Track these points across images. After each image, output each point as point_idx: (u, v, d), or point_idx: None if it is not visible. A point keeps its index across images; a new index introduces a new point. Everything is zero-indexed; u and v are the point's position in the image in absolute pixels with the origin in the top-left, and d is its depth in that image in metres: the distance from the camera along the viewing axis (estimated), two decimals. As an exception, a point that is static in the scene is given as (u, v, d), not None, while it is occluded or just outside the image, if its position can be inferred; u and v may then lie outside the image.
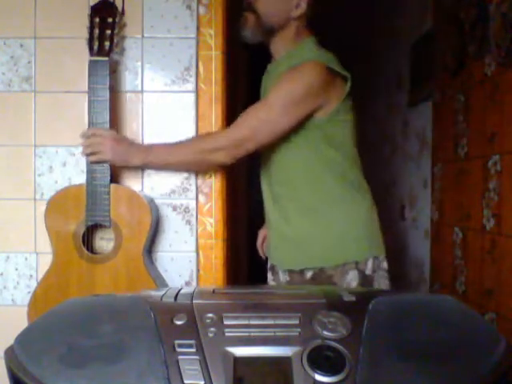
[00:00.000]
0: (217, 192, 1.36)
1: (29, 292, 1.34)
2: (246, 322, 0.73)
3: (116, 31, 1.26)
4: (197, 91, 1.35)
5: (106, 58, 1.22)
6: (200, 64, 1.35)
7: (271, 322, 0.73)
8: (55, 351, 0.69)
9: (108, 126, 1.24)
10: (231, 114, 1.45)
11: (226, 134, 1.30)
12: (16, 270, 1.35)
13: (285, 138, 1.31)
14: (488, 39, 1.75)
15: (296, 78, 1.27)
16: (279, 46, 1.38)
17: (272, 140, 1.30)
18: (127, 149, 1.27)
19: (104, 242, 1.30)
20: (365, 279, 1.32)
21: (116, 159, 1.25)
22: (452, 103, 2.13)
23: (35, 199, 1.34)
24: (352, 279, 1.31)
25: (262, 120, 1.27)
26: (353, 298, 0.81)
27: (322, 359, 0.67)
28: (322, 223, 1.34)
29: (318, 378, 0.65)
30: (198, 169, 1.36)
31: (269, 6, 1.32)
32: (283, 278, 1.41)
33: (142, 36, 1.34)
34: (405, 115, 2.80)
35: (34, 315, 1.24)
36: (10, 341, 0.74)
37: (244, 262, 2.52)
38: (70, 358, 0.68)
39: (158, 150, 1.29)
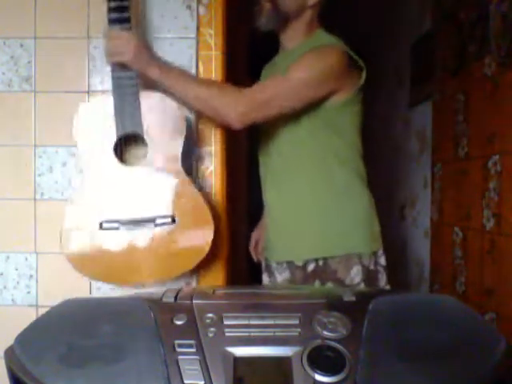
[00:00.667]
0: (217, 192, 1.36)
1: (29, 292, 1.34)
2: (246, 322, 0.73)
3: None
4: (197, 91, 1.35)
5: None
6: (200, 64, 1.35)
7: (271, 322, 0.73)
8: (55, 351, 0.69)
9: (130, 27, 1.17)
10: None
11: (242, 96, 1.23)
12: (16, 270, 1.35)
13: (291, 122, 1.30)
14: (488, 39, 1.75)
15: (318, 58, 1.26)
16: (291, 36, 1.38)
17: (278, 115, 1.26)
18: (149, 58, 1.19)
19: (137, 152, 1.21)
20: (368, 274, 1.30)
21: (135, 63, 1.16)
22: (452, 103, 2.13)
23: (35, 199, 1.34)
24: (356, 274, 1.29)
25: (277, 93, 1.24)
26: (353, 298, 0.81)
27: (322, 359, 0.67)
28: (326, 212, 1.32)
29: (318, 378, 0.66)
30: (204, 113, 1.27)
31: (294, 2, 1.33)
32: (283, 276, 1.37)
33: (142, 36, 1.34)
34: (405, 115, 2.80)
35: (73, 242, 1.18)
36: (10, 341, 0.74)
37: (244, 262, 2.52)
38: (70, 358, 0.68)
39: (176, 78, 1.21)
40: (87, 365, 0.67)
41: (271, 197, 1.42)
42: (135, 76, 1.17)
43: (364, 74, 1.32)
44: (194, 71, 1.34)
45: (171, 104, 1.19)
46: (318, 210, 1.33)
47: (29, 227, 1.34)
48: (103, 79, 1.33)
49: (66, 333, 0.73)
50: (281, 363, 0.68)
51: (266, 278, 1.47)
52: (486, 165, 1.80)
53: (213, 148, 1.35)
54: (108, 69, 1.33)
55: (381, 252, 1.35)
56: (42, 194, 1.34)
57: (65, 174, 1.35)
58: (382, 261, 1.34)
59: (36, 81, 1.34)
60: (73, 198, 1.21)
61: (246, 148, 2.66)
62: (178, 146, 1.17)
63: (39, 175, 1.34)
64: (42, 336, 0.74)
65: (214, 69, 1.35)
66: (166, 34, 1.34)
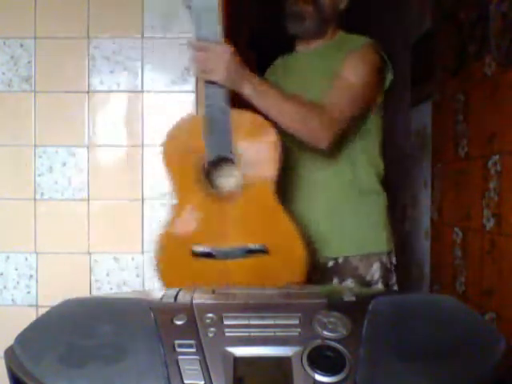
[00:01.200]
0: (217, 192, 1.36)
1: (29, 292, 1.34)
2: (245, 322, 0.73)
3: None
4: (197, 91, 1.35)
5: None
6: (200, 64, 1.35)
7: (271, 322, 0.73)
8: (55, 351, 0.69)
9: (219, 38, 1.07)
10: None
11: (327, 120, 1.20)
12: (16, 269, 1.35)
13: None
14: (488, 39, 1.75)
15: (366, 59, 1.28)
16: (314, 38, 1.38)
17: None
18: (242, 75, 1.09)
19: (228, 176, 1.14)
20: (385, 272, 1.33)
21: (228, 82, 1.07)
22: (452, 103, 2.13)
23: (35, 199, 1.34)
24: (375, 271, 1.32)
25: (349, 104, 1.23)
26: (353, 298, 0.81)
27: (322, 359, 0.67)
28: (356, 213, 1.34)
29: (318, 378, 0.65)
30: (291, 129, 1.19)
31: (330, 3, 1.35)
32: None
33: (142, 36, 1.34)
34: (405, 115, 2.80)
35: (164, 265, 1.14)
36: (10, 341, 0.75)
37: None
38: (69, 358, 0.68)
39: (268, 95, 1.14)
40: (87, 365, 0.67)
41: (306, 200, 1.34)
42: (226, 94, 1.08)
43: (390, 73, 1.36)
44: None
45: (266, 124, 1.09)
46: (349, 212, 1.35)
47: (29, 227, 1.34)
48: (103, 79, 1.34)
49: (66, 333, 0.73)
50: (281, 363, 0.68)
51: None
52: (485, 165, 1.80)
53: (213, 148, 1.35)
54: (108, 69, 1.34)
55: (393, 251, 1.38)
56: (42, 194, 1.34)
57: (65, 173, 1.35)
58: (394, 260, 1.38)
59: (36, 81, 1.34)
60: (167, 222, 1.17)
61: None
62: (271, 171, 1.09)
63: (39, 175, 1.34)
64: (42, 336, 0.74)
65: (214, 69, 1.34)
66: (166, 33, 1.34)
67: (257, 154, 1.08)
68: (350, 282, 1.32)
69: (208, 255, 1.11)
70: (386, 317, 0.75)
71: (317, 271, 1.27)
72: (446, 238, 2.21)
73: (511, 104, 1.63)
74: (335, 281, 1.33)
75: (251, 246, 1.10)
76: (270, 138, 1.08)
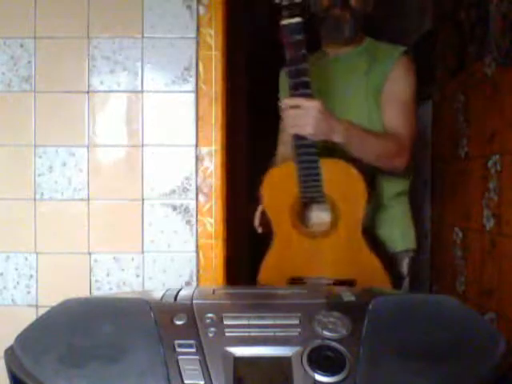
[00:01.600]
0: (217, 192, 1.36)
1: (29, 292, 1.34)
2: (245, 322, 0.73)
3: None
4: (197, 91, 1.35)
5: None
6: (200, 64, 1.35)
7: (271, 321, 0.73)
8: (55, 351, 0.69)
9: (311, 93, 1.16)
10: (231, 114, 1.45)
11: (401, 138, 1.33)
12: (16, 269, 1.35)
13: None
14: (488, 39, 1.75)
15: (410, 73, 1.38)
16: (346, 45, 1.44)
17: None
18: (331, 124, 1.17)
19: (321, 216, 1.29)
20: (412, 266, 1.46)
21: (318, 135, 1.17)
22: (452, 103, 2.13)
23: (35, 199, 1.34)
24: (406, 264, 1.44)
25: (411, 124, 1.36)
26: (353, 298, 0.81)
27: (322, 359, 0.67)
28: (406, 213, 1.49)
29: (318, 378, 0.66)
30: (375, 163, 1.30)
31: (362, 2, 1.40)
32: None
33: (142, 36, 1.34)
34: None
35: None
36: (10, 341, 0.75)
37: (244, 262, 2.52)
38: (69, 358, 0.68)
39: (358, 134, 1.24)
40: (87, 365, 0.67)
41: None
42: (314, 145, 1.18)
43: None
44: (194, 71, 1.34)
45: (353, 172, 1.22)
46: (401, 212, 1.50)
47: (29, 227, 1.34)
48: (103, 79, 1.34)
49: (66, 333, 0.73)
50: (281, 363, 0.68)
51: None
52: (485, 165, 1.80)
53: (213, 148, 1.35)
54: (108, 69, 1.34)
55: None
56: (42, 194, 1.34)
57: (65, 173, 1.35)
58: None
59: (36, 81, 1.34)
60: (267, 255, 1.37)
61: (246, 148, 2.66)
62: (359, 213, 1.23)
63: (39, 175, 1.34)
64: (42, 336, 0.74)
65: (213, 69, 1.35)
66: (166, 34, 1.34)
67: (346, 200, 1.23)
68: None
69: (302, 282, 1.28)
70: (386, 317, 0.75)
71: None
72: (446, 237, 2.21)
73: (511, 104, 1.63)
74: None
75: (341, 278, 1.25)
76: (359, 187, 1.22)
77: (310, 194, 1.24)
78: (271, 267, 1.34)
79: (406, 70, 1.38)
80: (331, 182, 1.21)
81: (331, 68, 1.45)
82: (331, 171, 1.21)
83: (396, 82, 1.36)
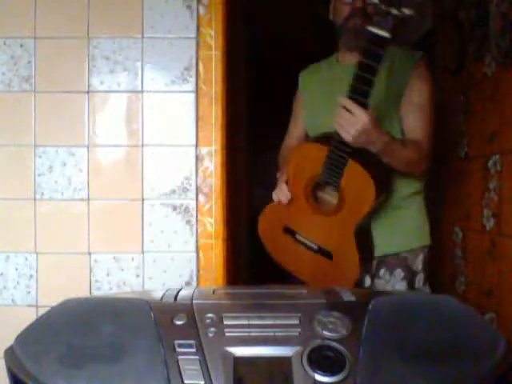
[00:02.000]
0: (217, 192, 1.36)
1: (29, 292, 1.34)
2: (245, 322, 0.73)
3: None
4: (197, 91, 1.35)
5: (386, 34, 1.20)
6: (200, 64, 1.35)
7: (271, 322, 0.73)
8: (55, 351, 0.69)
9: (367, 103, 1.23)
10: (231, 114, 1.45)
11: (422, 145, 1.44)
12: (16, 269, 1.35)
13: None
14: (488, 39, 1.75)
15: (429, 78, 1.48)
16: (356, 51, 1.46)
17: None
18: (372, 137, 1.25)
19: (329, 199, 1.46)
20: (425, 263, 1.53)
21: (357, 144, 1.26)
22: (452, 103, 2.13)
23: (35, 199, 1.34)
24: (420, 260, 1.52)
25: (431, 130, 1.48)
26: (353, 298, 0.81)
27: (322, 359, 0.67)
28: (409, 211, 1.52)
29: (318, 378, 0.66)
30: (403, 169, 1.43)
31: None
32: None
33: (142, 36, 1.34)
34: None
35: (262, 227, 1.58)
36: (10, 341, 0.75)
37: (244, 261, 2.52)
38: (69, 358, 0.68)
39: (392, 147, 1.33)
40: (87, 365, 0.67)
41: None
42: (349, 147, 1.29)
43: None
44: (194, 71, 1.34)
45: (366, 177, 1.34)
46: (416, 210, 1.55)
47: (29, 227, 1.34)
48: (103, 79, 1.34)
49: (66, 333, 0.73)
50: (281, 363, 0.68)
51: None
52: (485, 165, 1.80)
53: (213, 148, 1.35)
54: (108, 69, 1.34)
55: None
56: (42, 194, 1.34)
57: (65, 173, 1.35)
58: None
59: (36, 81, 1.34)
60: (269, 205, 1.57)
61: (246, 148, 2.66)
62: (362, 209, 1.38)
63: (39, 175, 1.34)
64: (42, 336, 0.74)
65: (213, 69, 1.35)
66: (166, 33, 1.34)
67: (353, 195, 1.37)
68: (399, 272, 1.51)
69: (292, 233, 1.50)
70: (386, 317, 0.75)
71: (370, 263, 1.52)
72: (446, 238, 2.21)
73: (511, 104, 1.63)
74: (382, 271, 1.51)
75: (322, 247, 1.46)
76: (368, 191, 1.34)
77: (328, 179, 1.37)
78: (274, 208, 1.52)
79: (425, 77, 1.46)
80: (348, 179, 1.35)
81: (346, 74, 1.43)
82: (352, 173, 1.34)
83: (417, 89, 1.45)
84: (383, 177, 1.42)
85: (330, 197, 1.45)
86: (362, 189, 1.36)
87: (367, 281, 1.53)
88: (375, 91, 1.40)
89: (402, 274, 1.50)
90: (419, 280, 1.52)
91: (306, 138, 1.66)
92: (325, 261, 1.46)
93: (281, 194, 1.47)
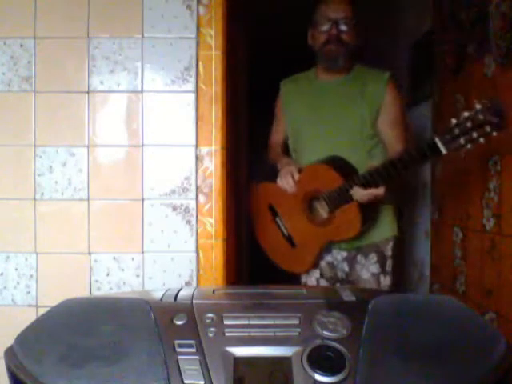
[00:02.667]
0: (217, 192, 1.36)
1: (29, 292, 1.34)
2: (245, 322, 0.73)
3: None
4: (197, 91, 1.35)
5: None
6: (200, 64, 1.35)
7: (271, 321, 0.73)
8: (55, 351, 0.69)
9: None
10: (231, 114, 1.45)
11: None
12: (16, 269, 1.35)
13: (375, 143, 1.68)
14: (488, 39, 1.75)
15: (399, 95, 1.69)
16: (339, 72, 1.68)
17: None
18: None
19: (320, 210, 1.66)
20: (394, 251, 1.73)
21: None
22: (452, 103, 2.13)
23: (35, 199, 1.34)
24: (390, 247, 1.73)
25: (405, 136, 1.67)
26: (353, 298, 0.81)
27: (322, 359, 0.67)
28: (382, 209, 1.70)
29: (318, 377, 0.66)
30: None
31: (354, 38, 1.63)
32: (336, 255, 1.75)
33: (142, 36, 1.34)
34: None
35: (255, 200, 1.86)
36: (10, 341, 0.75)
37: (244, 261, 2.52)
38: (69, 358, 0.68)
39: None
40: (87, 365, 0.67)
41: None
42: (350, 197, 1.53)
43: None
44: (194, 71, 1.34)
45: (358, 219, 1.56)
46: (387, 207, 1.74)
47: (29, 227, 1.34)
48: (103, 79, 1.34)
49: (66, 333, 0.73)
50: (281, 363, 0.68)
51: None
52: (486, 165, 1.80)
53: (213, 148, 1.35)
54: (108, 69, 1.34)
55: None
56: (42, 194, 1.34)
57: (65, 173, 1.35)
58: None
59: (36, 81, 1.34)
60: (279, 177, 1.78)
61: (246, 148, 2.65)
62: (346, 236, 1.64)
63: (39, 175, 1.34)
64: (42, 336, 0.74)
65: (213, 69, 1.35)
66: (166, 34, 1.34)
67: (342, 226, 1.60)
68: (373, 256, 1.72)
69: (274, 213, 1.78)
70: (386, 317, 0.75)
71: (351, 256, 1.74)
72: (446, 237, 2.21)
73: (511, 104, 1.63)
74: (359, 257, 1.72)
75: (292, 237, 1.75)
76: (354, 230, 1.59)
77: (329, 200, 1.59)
78: (263, 190, 1.82)
79: (396, 94, 1.66)
80: (342, 210, 1.56)
81: (324, 90, 1.71)
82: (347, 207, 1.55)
83: (392, 106, 1.65)
84: (371, 214, 1.63)
85: (322, 210, 1.64)
86: (350, 225, 1.58)
87: (346, 267, 1.75)
88: (349, 108, 1.66)
89: (375, 258, 1.71)
90: (389, 265, 1.73)
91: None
92: (288, 246, 1.73)
93: (287, 183, 1.66)
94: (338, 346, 0.69)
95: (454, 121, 1.28)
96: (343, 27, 1.61)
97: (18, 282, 1.35)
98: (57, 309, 0.82)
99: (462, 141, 1.27)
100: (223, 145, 1.36)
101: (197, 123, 1.35)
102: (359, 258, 1.73)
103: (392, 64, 3.02)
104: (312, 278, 1.80)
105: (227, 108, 1.39)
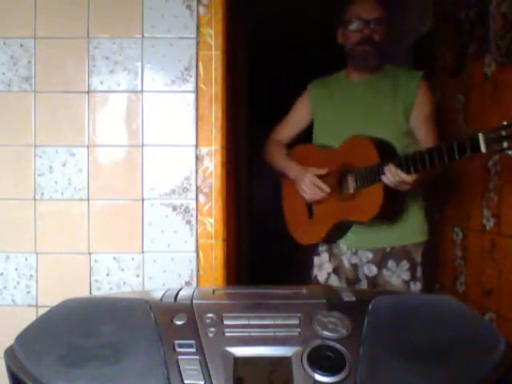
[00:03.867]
0: (217, 192, 1.36)
1: (29, 292, 1.34)
2: (245, 322, 0.73)
3: None
4: (197, 91, 1.35)
5: None
6: (200, 64, 1.35)
7: (271, 321, 0.73)
8: (55, 351, 0.69)
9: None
10: (231, 114, 1.45)
11: None
12: (16, 269, 1.35)
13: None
14: (488, 39, 1.75)
15: (431, 97, 1.69)
16: (372, 68, 1.67)
17: None
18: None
19: (347, 184, 1.63)
20: (424, 256, 1.69)
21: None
22: (452, 103, 2.13)
23: (35, 199, 1.34)
24: (420, 254, 1.68)
25: (437, 134, 1.68)
26: (353, 298, 0.81)
27: (322, 359, 0.67)
28: (411, 211, 1.67)
29: (318, 377, 0.66)
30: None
31: (385, 37, 1.64)
32: (362, 256, 1.69)
33: (142, 36, 1.34)
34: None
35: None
36: (10, 341, 0.75)
37: (244, 261, 2.52)
38: (69, 358, 0.68)
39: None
40: (87, 365, 0.67)
41: None
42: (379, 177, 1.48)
43: None
44: (194, 71, 1.34)
45: (379, 202, 1.51)
46: (418, 208, 1.71)
47: (29, 227, 1.34)
48: (103, 79, 1.34)
49: (66, 333, 0.73)
50: (281, 363, 0.68)
51: (325, 258, 1.77)
52: (486, 165, 1.80)
53: (213, 148, 1.35)
54: (108, 69, 1.34)
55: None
56: (42, 194, 1.34)
57: (65, 173, 1.35)
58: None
59: (36, 81, 1.34)
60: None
61: (246, 148, 2.65)
62: (364, 218, 1.57)
63: (39, 175, 1.34)
64: (42, 336, 0.74)
65: (213, 69, 1.35)
66: (165, 34, 1.34)
67: (363, 204, 1.56)
68: (405, 263, 1.68)
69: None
70: (386, 317, 0.75)
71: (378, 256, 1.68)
72: (446, 238, 2.21)
73: (511, 104, 1.63)
74: (390, 262, 1.67)
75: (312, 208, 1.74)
76: (372, 212, 1.52)
77: (359, 176, 1.56)
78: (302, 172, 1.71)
79: (429, 93, 1.67)
80: (369, 189, 1.52)
81: (356, 90, 1.70)
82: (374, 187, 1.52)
83: (425, 104, 1.65)
84: (393, 204, 1.57)
85: (351, 185, 1.61)
86: (369, 207, 1.53)
87: (373, 270, 1.69)
88: (383, 107, 1.64)
89: (407, 265, 1.66)
90: (419, 271, 1.68)
91: (294, 140, 1.85)
92: (307, 215, 1.73)
93: (315, 195, 1.66)
94: (338, 345, 0.69)
95: (504, 123, 1.25)
96: (376, 27, 1.62)
97: (17, 282, 1.35)
98: (57, 309, 0.82)
99: (505, 144, 1.22)
100: (223, 145, 1.36)
101: (197, 123, 1.35)
102: (390, 264, 1.67)
103: (392, 64, 3.01)
104: (324, 272, 1.76)
105: (227, 108, 1.39)
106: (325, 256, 1.77)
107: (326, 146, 1.72)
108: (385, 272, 1.67)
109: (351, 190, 1.61)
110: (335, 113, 1.72)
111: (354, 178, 1.58)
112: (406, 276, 1.66)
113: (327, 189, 1.63)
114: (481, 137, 1.25)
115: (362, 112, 1.67)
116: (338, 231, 1.71)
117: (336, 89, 1.77)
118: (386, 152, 1.51)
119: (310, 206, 1.73)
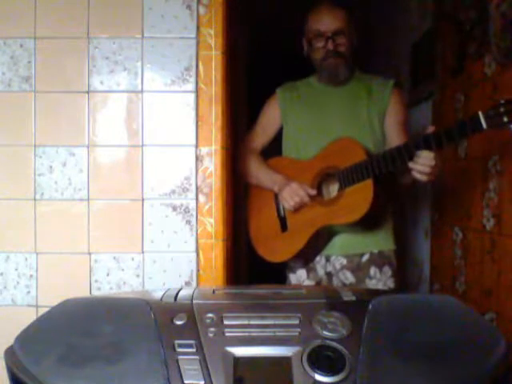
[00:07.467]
0: (217, 192, 1.36)
1: (29, 292, 1.34)
2: (246, 322, 0.73)
3: None
4: (197, 91, 1.35)
5: None
6: (200, 64, 1.35)
7: (271, 322, 0.73)
8: (55, 351, 0.69)
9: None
10: (231, 114, 1.45)
11: None
12: (16, 270, 1.35)
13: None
14: (488, 39, 1.75)
15: (404, 104, 1.73)
16: (346, 77, 1.67)
17: None
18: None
19: (327, 189, 1.62)
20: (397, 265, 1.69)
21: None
22: (452, 103, 2.13)
23: (35, 199, 1.34)
24: (395, 260, 1.69)
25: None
26: (353, 298, 0.81)
27: (322, 359, 0.67)
28: (383, 217, 1.68)
29: (318, 378, 0.66)
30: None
31: (351, 46, 1.64)
32: (335, 263, 1.66)
33: (142, 36, 1.34)
34: (405, 115, 2.79)
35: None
36: (10, 341, 0.74)
37: (244, 261, 2.52)
38: (69, 358, 0.68)
39: None
40: (87, 365, 0.67)
41: None
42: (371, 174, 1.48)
43: None
44: (194, 71, 1.34)
45: (369, 197, 1.49)
46: (389, 215, 1.73)
47: (29, 227, 1.34)
48: (103, 79, 1.34)
49: (66, 333, 0.73)
50: (281, 363, 0.68)
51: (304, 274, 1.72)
52: (486, 165, 1.80)
53: (213, 148, 1.35)
54: (108, 69, 1.34)
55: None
56: (42, 194, 1.34)
57: (65, 173, 1.35)
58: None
59: (36, 81, 1.34)
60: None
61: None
62: (349, 220, 1.54)
63: (39, 175, 1.34)
64: (42, 336, 0.74)
65: (213, 69, 1.35)
66: (165, 34, 1.34)
67: (348, 206, 1.53)
68: (387, 269, 1.67)
69: None
70: (386, 317, 0.75)
71: (354, 264, 1.65)
72: (446, 237, 2.21)
73: (511, 104, 1.62)
74: (373, 270, 1.65)
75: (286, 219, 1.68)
76: (367, 199, 1.49)
77: (342, 177, 1.53)
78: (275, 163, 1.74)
79: (401, 100, 1.70)
80: (354, 188, 1.51)
81: (329, 96, 1.69)
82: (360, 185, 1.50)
83: (398, 111, 1.67)
84: (381, 201, 1.55)
85: (331, 189, 1.60)
86: (357, 206, 1.49)
87: (349, 277, 1.65)
88: (357, 111, 1.66)
89: (390, 272, 1.66)
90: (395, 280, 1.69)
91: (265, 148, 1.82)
92: (278, 229, 1.66)
93: (301, 192, 1.58)
94: (337, 346, 0.69)
95: (502, 100, 1.24)
96: (338, 39, 1.59)
97: (17, 282, 1.35)
98: (57, 309, 0.82)
99: (505, 118, 1.22)
100: (223, 145, 1.36)
101: (197, 123, 1.35)
102: (373, 271, 1.63)
103: (392, 64, 3.02)
104: (301, 279, 1.69)
105: (227, 108, 1.39)
106: (301, 272, 1.70)
107: (296, 159, 1.70)
108: (368, 281, 1.63)
109: (333, 194, 1.58)
110: (308, 121, 1.69)
111: (338, 179, 1.54)
112: (391, 283, 1.64)
113: (312, 191, 1.57)
114: (480, 114, 1.26)
115: (337, 117, 1.66)
116: (319, 240, 1.63)
117: (307, 95, 1.73)
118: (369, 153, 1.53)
119: (282, 219, 1.66)
